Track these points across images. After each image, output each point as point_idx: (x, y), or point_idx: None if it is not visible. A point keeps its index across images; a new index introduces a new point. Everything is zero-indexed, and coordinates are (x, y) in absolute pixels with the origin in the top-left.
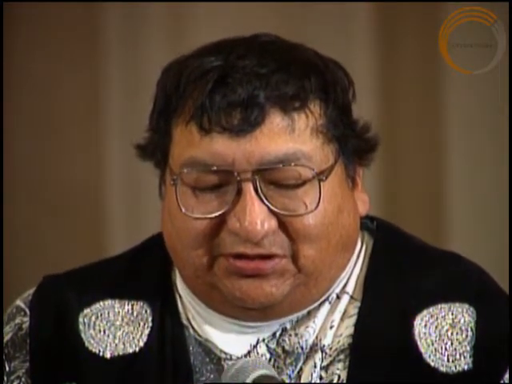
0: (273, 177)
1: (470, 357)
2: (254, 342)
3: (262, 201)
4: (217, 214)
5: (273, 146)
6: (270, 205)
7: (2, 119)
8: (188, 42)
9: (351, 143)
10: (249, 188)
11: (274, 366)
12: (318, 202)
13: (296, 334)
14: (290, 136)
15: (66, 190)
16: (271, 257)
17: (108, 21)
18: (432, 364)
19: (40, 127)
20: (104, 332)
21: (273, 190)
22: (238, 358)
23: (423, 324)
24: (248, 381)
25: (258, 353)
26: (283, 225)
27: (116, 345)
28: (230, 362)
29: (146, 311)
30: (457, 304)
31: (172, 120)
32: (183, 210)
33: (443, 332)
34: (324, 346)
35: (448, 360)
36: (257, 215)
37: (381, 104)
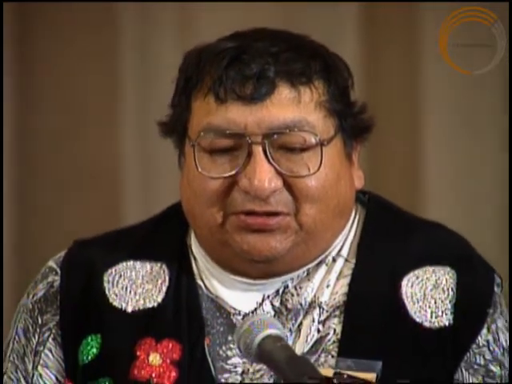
0: (280, 141)
1: (450, 314)
2: (260, 300)
3: (270, 162)
4: (229, 173)
5: (281, 113)
6: (277, 166)
7: (2, 100)
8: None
9: (349, 121)
10: (258, 150)
11: None
12: (320, 165)
13: (297, 292)
14: (297, 106)
15: (80, 167)
16: (277, 214)
17: (125, 18)
18: (417, 320)
19: (60, 105)
20: (126, 289)
21: (280, 154)
22: (245, 313)
23: (410, 284)
24: (256, 341)
25: (263, 310)
26: (288, 185)
27: (137, 300)
28: (239, 318)
29: (163, 271)
30: (440, 267)
31: (192, 94)
32: (199, 169)
33: (427, 292)
34: (321, 302)
35: (431, 316)
36: (265, 174)
37: (364, 90)
